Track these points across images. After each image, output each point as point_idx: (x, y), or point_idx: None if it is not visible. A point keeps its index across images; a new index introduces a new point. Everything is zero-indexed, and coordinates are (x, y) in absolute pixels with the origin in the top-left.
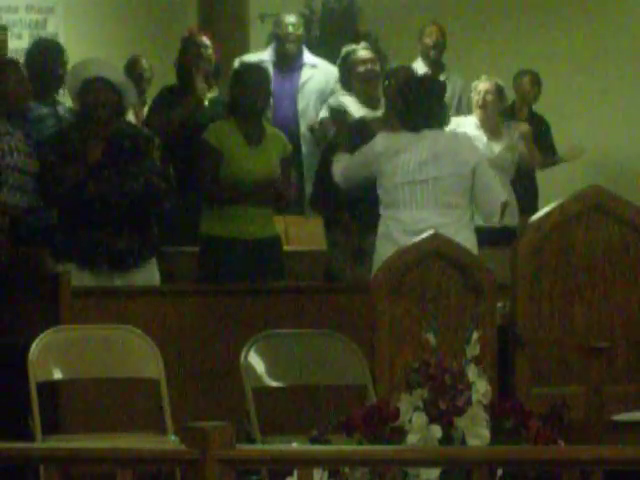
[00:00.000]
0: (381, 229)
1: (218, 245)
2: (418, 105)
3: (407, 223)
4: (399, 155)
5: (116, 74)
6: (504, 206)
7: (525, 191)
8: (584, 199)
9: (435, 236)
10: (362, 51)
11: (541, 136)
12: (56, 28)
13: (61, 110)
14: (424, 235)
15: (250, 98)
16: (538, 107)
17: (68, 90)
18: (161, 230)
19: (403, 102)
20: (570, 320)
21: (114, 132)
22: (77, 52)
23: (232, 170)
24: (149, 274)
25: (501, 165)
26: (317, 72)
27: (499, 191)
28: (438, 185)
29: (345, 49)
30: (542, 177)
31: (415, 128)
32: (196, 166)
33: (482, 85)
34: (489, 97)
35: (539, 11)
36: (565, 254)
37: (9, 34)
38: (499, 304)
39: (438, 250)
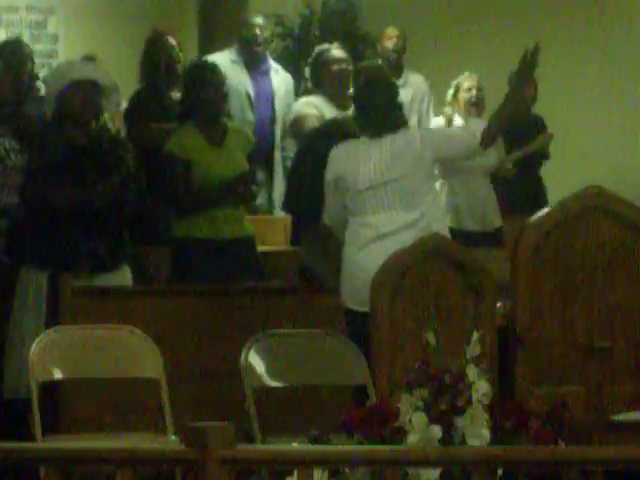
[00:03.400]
0: (348, 235)
1: (190, 246)
2: (374, 111)
3: (376, 227)
4: (359, 162)
5: (105, 77)
6: (488, 132)
7: (530, 192)
8: (584, 199)
9: (435, 236)
10: (335, 50)
11: (538, 136)
12: (56, 28)
13: (30, 107)
14: (408, 236)
15: (206, 99)
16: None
17: (47, 89)
18: (137, 230)
19: (360, 108)
20: (570, 320)
21: (93, 135)
22: (77, 52)
23: (199, 175)
24: (124, 276)
25: (485, 167)
26: (281, 77)
27: (464, 132)
28: (401, 185)
29: (319, 48)
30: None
31: (374, 134)
32: (165, 178)
33: (469, 82)
34: (480, 93)
35: (532, 12)
36: (565, 254)
37: (8, 34)
38: (499, 304)
39: (438, 250)
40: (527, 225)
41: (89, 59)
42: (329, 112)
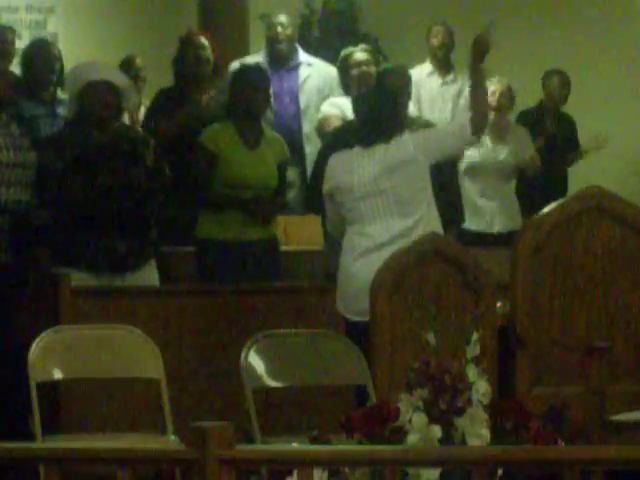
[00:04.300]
0: (345, 244)
1: (215, 248)
2: (367, 121)
3: (373, 236)
4: (353, 172)
5: (120, 78)
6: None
7: (554, 190)
8: (584, 199)
9: (435, 236)
10: (358, 53)
11: (567, 135)
12: (56, 28)
13: (61, 110)
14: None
15: (249, 99)
16: (566, 106)
17: (67, 91)
18: (159, 230)
19: (355, 117)
20: (570, 320)
21: (112, 135)
22: (77, 52)
23: (229, 173)
24: (149, 275)
25: (502, 169)
26: (314, 71)
27: (453, 126)
28: (396, 193)
29: (344, 51)
30: (572, 177)
31: (367, 144)
32: (191, 169)
33: (495, 86)
34: (503, 99)
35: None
36: (565, 254)
37: None
38: (499, 304)
39: (438, 250)
40: (527, 225)
41: (130, 60)
42: (351, 113)
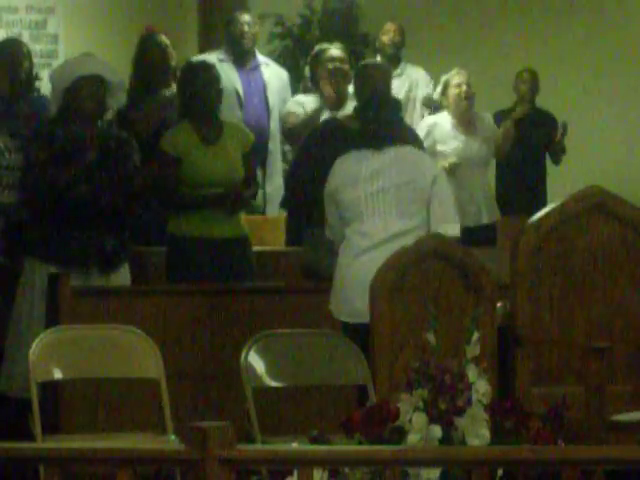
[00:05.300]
0: (345, 244)
1: (186, 245)
2: (377, 124)
3: (371, 235)
4: (359, 172)
5: (112, 74)
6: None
7: (534, 192)
8: (584, 199)
9: (435, 236)
10: (333, 50)
11: (546, 131)
12: (56, 28)
13: (22, 108)
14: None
15: (201, 97)
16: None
17: (54, 84)
18: (133, 231)
19: (362, 121)
20: (570, 320)
21: (101, 132)
22: (77, 52)
23: (191, 174)
24: (124, 275)
25: (479, 161)
26: (273, 72)
27: (451, 213)
28: (398, 193)
29: (318, 46)
30: (549, 178)
31: (376, 146)
32: (156, 176)
33: (459, 78)
34: (469, 89)
35: (539, 10)
36: (565, 254)
37: (8, 34)
38: (499, 304)
39: (438, 250)
40: (527, 225)
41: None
42: (311, 109)
